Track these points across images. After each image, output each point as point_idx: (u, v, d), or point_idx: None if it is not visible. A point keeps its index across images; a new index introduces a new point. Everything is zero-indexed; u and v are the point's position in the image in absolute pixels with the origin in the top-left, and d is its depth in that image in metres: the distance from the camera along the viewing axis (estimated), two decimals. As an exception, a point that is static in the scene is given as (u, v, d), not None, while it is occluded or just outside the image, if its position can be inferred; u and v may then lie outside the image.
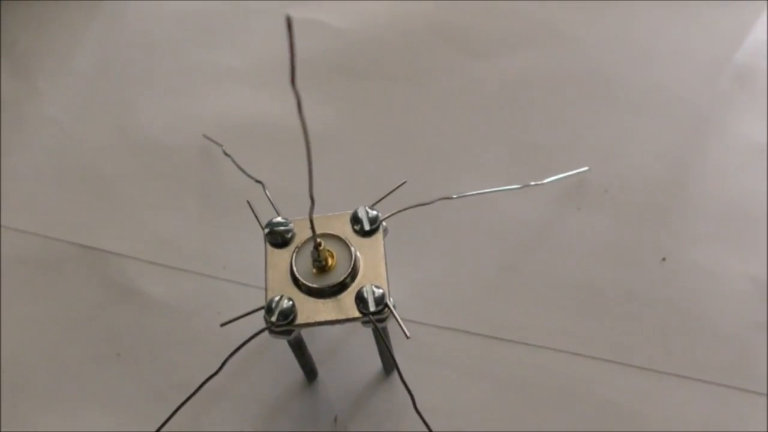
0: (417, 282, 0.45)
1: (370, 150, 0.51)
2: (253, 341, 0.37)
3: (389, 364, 0.41)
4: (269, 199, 0.39)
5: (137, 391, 0.43)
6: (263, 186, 0.40)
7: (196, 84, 0.55)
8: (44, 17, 0.59)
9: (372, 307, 0.34)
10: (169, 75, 0.55)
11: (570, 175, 0.46)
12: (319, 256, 0.34)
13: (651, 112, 0.50)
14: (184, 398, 0.35)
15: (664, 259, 0.44)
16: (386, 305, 0.34)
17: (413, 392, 0.41)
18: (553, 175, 0.46)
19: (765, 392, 0.40)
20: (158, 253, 0.47)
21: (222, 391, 0.42)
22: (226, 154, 0.47)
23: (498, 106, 0.51)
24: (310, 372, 0.41)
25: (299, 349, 0.39)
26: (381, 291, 0.34)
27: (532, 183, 0.45)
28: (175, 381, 0.43)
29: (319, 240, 0.34)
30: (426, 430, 0.34)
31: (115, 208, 0.49)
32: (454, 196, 0.40)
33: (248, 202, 0.38)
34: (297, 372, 0.41)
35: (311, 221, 0.32)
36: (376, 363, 0.42)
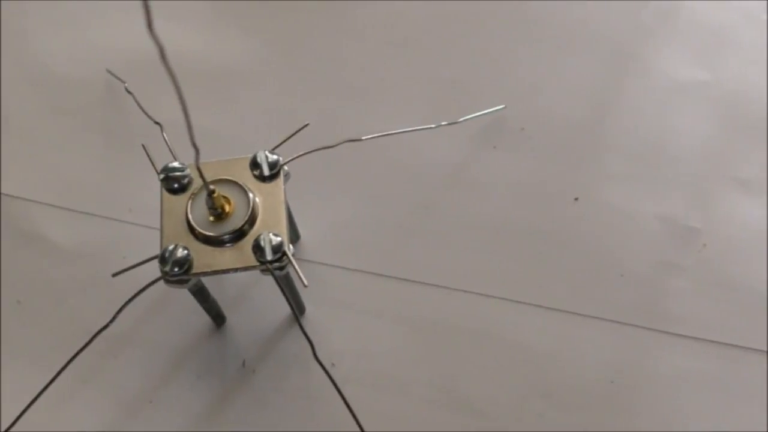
0: (328, 224, 0.44)
1: (284, 85, 0.49)
2: (158, 287, 0.36)
3: (297, 309, 0.41)
4: (166, 143, 0.37)
5: (38, 338, 0.42)
6: (161, 128, 0.39)
7: (102, 13, 0.51)
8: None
9: (269, 256, 0.33)
10: (71, 3, 0.52)
11: (486, 114, 0.46)
12: (213, 203, 0.33)
13: (571, 48, 0.49)
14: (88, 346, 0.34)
15: (576, 199, 0.44)
16: (284, 254, 0.33)
17: (322, 334, 0.41)
18: (469, 113, 0.45)
19: (670, 331, 0.41)
20: (60, 196, 0.45)
21: (127, 337, 0.41)
22: (128, 91, 0.44)
23: (417, 42, 0.50)
24: (216, 317, 0.41)
25: (202, 295, 0.38)
26: (279, 239, 0.33)
27: (445, 123, 0.44)
28: (78, 328, 0.41)
29: (213, 187, 0.33)
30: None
31: (12, 147, 0.47)
32: (363, 138, 0.39)
33: (143, 146, 0.37)
34: (205, 317, 0.41)
35: (199, 170, 0.30)
36: (286, 307, 0.41)
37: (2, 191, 0.45)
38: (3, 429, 0.35)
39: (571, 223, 0.44)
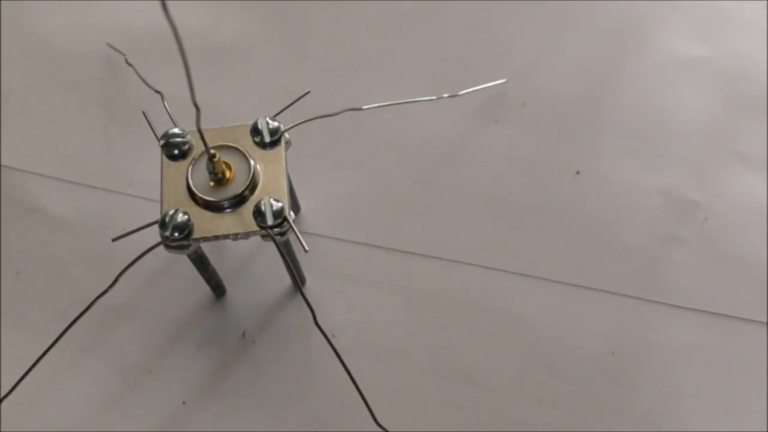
0: (329, 196, 0.44)
1: (285, 60, 0.48)
2: (159, 257, 0.36)
3: (298, 278, 0.41)
4: (167, 110, 0.37)
5: (38, 310, 0.41)
6: (162, 96, 0.38)
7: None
8: None
9: (270, 221, 0.33)
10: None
11: (487, 87, 0.45)
12: (214, 168, 0.33)
13: (572, 23, 0.49)
14: (87, 316, 0.34)
15: (578, 172, 0.44)
16: (285, 219, 0.33)
17: (322, 306, 0.41)
18: (470, 86, 0.45)
19: (671, 303, 0.41)
20: (60, 168, 0.45)
21: (127, 307, 0.41)
22: (128, 63, 0.44)
23: (418, 16, 0.50)
24: (216, 287, 0.40)
25: (202, 264, 0.38)
26: (280, 204, 0.33)
27: (446, 95, 0.43)
28: (77, 299, 0.40)
29: (213, 152, 0.33)
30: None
31: (12, 121, 0.47)
32: (363, 107, 0.39)
33: (143, 113, 0.37)
34: (205, 288, 0.41)
35: (200, 131, 0.30)
36: (286, 279, 0.41)
37: (2, 163, 0.45)
38: (1, 396, 0.35)
39: (573, 197, 0.44)
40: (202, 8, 0.49)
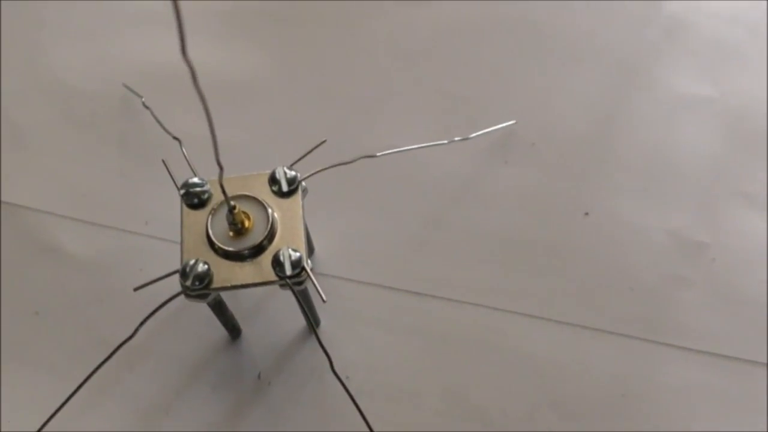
0: (341, 237, 0.45)
1: (297, 99, 0.49)
2: (176, 298, 0.37)
3: (313, 321, 0.41)
4: (186, 158, 0.38)
5: (57, 349, 0.42)
6: (180, 143, 0.39)
7: (116, 27, 0.52)
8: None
9: (288, 271, 0.34)
10: (87, 17, 0.53)
11: (497, 129, 0.46)
12: (234, 219, 0.34)
13: (579, 62, 0.50)
14: (104, 356, 0.35)
15: (586, 213, 0.45)
16: (303, 269, 0.34)
17: (336, 347, 0.42)
18: (480, 127, 0.46)
19: (680, 345, 0.41)
20: (77, 208, 0.46)
21: (144, 348, 0.42)
22: (145, 106, 0.45)
23: (427, 55, 0.51)
24: (233, 329, 0.41)
25: (219, 309, 0.38)
26: (298, 254, 0.34)
27: (458, 139, 0.44)
28: (95, 338, 0.42)
29: (233, 203, 0.33)
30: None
31: (29, 160, 0.48)
32: (377, 154, 0.40)
33: (163, 162, 0.37)
34: (220, 329, 0.41)
35: (222, 187, 0.31)
36: (301, 320, 0.42)
37: (19, 203, 0.46)
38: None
39: (582, 238, 0.44)
40: (212, 47, 0.50)
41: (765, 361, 0.41)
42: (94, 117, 0.49)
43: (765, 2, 0.52)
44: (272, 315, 0.43)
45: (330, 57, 0.51)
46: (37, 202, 0.46)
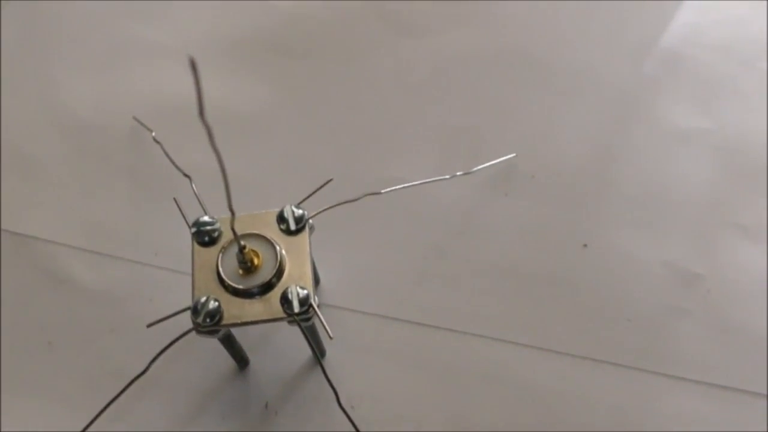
0: (347, 268, 0.46)
1: (302, 132, 0.51)
2: (185, 329, 0.38)
3: (319, 354, 0.42)
4: (196, 196, 0.39)
5: (69, 379, 0.43)
6: (191, 180, 0.40)
7: (126, 61, 0.54)
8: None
9: (296, 308, 0.35)
10: (98, 51, 0.54)
11: (498, 163, 0.47)
12: (244, 258, 0.35)
13: (577, 95, 0.51)
14: (116, 386, 0.36)
15: (585, 245, 0.46)
16: (310, 306, 0.35)
17: (342, 377, 0.43)
18: (481, 160, 0.47)
19: (678, 375, 0.42)
20: (88, 239, 0.47)
21: (153, 379, 0.42)
22: (156, 141, 0.46)
23: (429, 88, 0.52)
24: (240, 360, 0.42)
25: (228, 342, 0.39)
26: (306, 292, 0.35)
27: (460, 173, 0.45)
28: (107, 369, 0.43)
29: (243, 243, 0.34)
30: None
31: (41, 192, 0.49)
32: (382, 191, 0.41)
33: (175, 200, 0.38)
34: (228, 359, 0.42)
35: (233, 230, 0.32)
36: (307, 350, 0.43)
37: (31, 234, 0.47)
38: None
39: (581, 269, 0.45)
40: (217, 81, 0.51)
41: (765, 392, 0.42)
42: (105, 150, 0.50)
43: (761, 35, 0.53)
44: (279, 345, 0.44)
45: (334, 90, 0.52)
46: (49, 233, 0.47)
